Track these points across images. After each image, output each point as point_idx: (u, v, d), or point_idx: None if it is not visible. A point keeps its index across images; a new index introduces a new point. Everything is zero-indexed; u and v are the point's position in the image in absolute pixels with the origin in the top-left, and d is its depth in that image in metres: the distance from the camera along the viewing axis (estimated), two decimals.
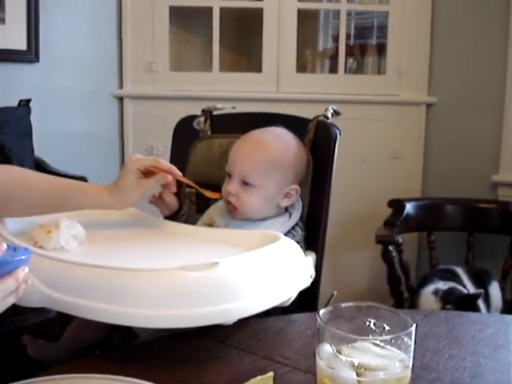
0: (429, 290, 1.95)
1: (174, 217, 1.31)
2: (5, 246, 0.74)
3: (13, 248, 0.76)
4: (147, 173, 1.16)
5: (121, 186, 1.14)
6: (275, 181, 1.27)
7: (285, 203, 1.30)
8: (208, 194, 1.28)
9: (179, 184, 1.27)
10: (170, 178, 1.17)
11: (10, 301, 0.75)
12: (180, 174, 1.19)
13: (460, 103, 2.64)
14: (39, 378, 0.80)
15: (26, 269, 0.76)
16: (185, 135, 1.55)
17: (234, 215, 1.29)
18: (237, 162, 1.28)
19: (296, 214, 1.32)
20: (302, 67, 2.86)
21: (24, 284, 0.76)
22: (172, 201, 1.27)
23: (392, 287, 2.15)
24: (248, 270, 0.93)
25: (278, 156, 1.28)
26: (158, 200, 1.26)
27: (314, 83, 2.76)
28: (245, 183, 1.26)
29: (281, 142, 1.31)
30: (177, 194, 1.28)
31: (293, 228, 1.29)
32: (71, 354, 1.24)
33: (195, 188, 1.27)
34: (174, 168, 1.18)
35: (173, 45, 2.77)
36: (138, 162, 1.15)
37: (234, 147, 1.32)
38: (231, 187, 1.27)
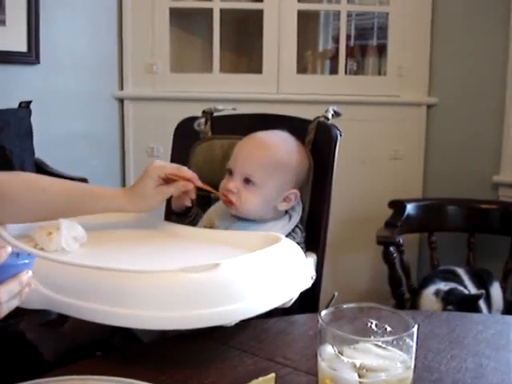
0: (430, 290, 1.95)
1: (182, 216, 1.31)
2: (9, 249, 0.74)
3: (16, 254, 0.76)
4: (167, 180, 1.16)
5: (140, 192, 1.14)
6: (276, 183, 1.27)
7: (283, 207, 1.30)
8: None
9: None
10: (191, 185, 1.17)
11: (14, 304, 0.75)
12: (200, 182, 1.19)
13: (461, 104, 2.64)
14: (41, 380, 0.80)
15: (30, 272, 0.76)
16: (185, 137, 1.55)
17: (231, 209, 1.29)
18: (240, 160, 1.28)
19: (296, 217, 1.32)
20: (302, 68, 2.86)
21: (27, 287, 0.76)
22: (184, 204, 1.27)
23: (393, 288, 2.15)
24: (249, 271, 0.93)
25: (281, 158, 1.28)
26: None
27: (314, 84, 2.76)
28: (246, 181, 1.26)
29: (286, 146, 1.31)
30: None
31: (293, 230, 1.29)
32: (70, 348, 1.23)
33: (216, 194, 1.27)
34: (195, 176, 1.18)
35: (173, 46, 2.77)
36: (159, 169, 1.15)
37: (238, 145, 1.32)
38: (232, 185, 1.27)
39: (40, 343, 1.25)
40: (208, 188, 1.24)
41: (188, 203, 1.24)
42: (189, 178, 1.17)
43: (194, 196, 1.22)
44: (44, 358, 1.22)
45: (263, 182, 1.26)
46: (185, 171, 1.17)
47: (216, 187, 1.31)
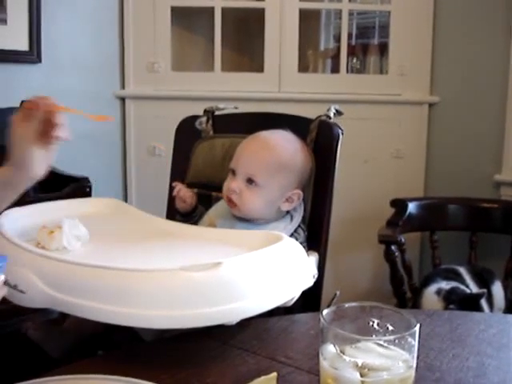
0: (432, 289, 1.95)
1: (187, 217, 1.31)
2: None
3: None
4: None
5: (22, 160, 1.03)
6: (279, 183, 1.27)
7: (286, 207, 1.30)
8: (94, 118, 1.19)
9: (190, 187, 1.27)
10: (51, 107, 1.06)
11: None
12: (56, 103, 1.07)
13: (462, 102, 2.63)
14: (42, 379, 0.79)
15: (2, 277, 0.75)
16: (187, 135, 1.55)
17: (234, 211, 1.29)
18: (243, 160, 1.28)
19: (298, 217, 1.31)
20: (303, 67, 2.86)
21: (1, 291, 0.75)
22: (188, 197, 1.28)
23: (395, 287, 2.15)
24: (251, 270, 0.92)
25: (285, 159, 1.28)
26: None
27: (315, 83, 2.75)
28: (249, 182, 1.26)
29: (289, 146, 1.31)
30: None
31: (295, 231, 1.29)
32: (74, 343, 1.24)
33: (75, 112, 1.16)
34: (48, 101, 1.06)
35: (175, 45, 2.77)
36: (18, 120, 1.03)
37: (241, 145, 1.32)
38: (234, 185, 1.26)
39: (44, 342, 1.25)
40: (65, 109, 1.11)
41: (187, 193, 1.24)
42: (47, 107, 1.05)
43: (57, 120, 1.08)
44: (49, 356, 1.22)
45: (266, 182, 1.26)
46: (31, 100, 1.04)
47: (218, 185, 1.31)
